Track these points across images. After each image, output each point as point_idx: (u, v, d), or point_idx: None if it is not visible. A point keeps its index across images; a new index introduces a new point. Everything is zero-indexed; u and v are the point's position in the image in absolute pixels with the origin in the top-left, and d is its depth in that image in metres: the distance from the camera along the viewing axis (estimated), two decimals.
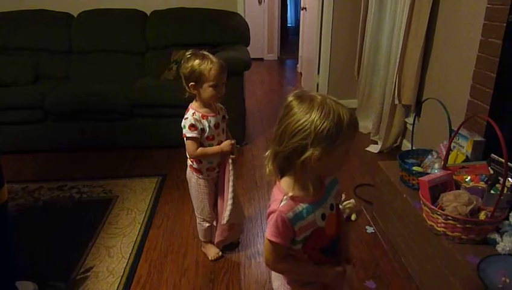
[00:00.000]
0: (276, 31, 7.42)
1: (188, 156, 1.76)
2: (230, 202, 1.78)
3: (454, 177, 1.73)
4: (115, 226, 2.22)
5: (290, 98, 0.91)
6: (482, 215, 1.49)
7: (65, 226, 2.25)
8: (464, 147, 1.93)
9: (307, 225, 0.96)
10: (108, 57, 3.61)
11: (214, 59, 1.62)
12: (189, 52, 1.65)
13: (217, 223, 1.91)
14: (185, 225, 2.24)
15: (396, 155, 2.08)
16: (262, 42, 7.33)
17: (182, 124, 1.68)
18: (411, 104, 2.93)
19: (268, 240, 0.96)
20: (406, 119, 3.08)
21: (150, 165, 3.00)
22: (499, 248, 1.43)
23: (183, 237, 2.14)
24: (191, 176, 1.82)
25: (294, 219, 0.94)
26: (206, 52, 1.65)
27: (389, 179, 2.07)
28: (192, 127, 1.65)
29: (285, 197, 0.94)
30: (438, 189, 1.63)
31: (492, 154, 1.78)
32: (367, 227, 2.21)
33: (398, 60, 2.87)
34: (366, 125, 3.64)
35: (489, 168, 1.76)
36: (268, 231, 0.96)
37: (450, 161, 1.90)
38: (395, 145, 3.19)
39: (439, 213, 1.53)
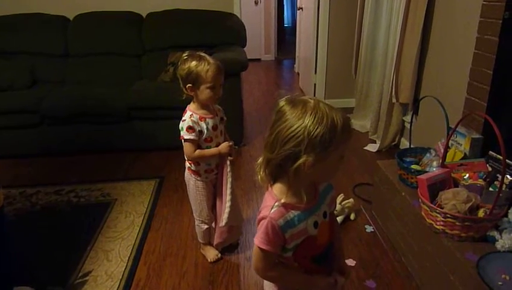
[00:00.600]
0: (273, 31, 7.42)
1: (186, 158, 1.76)
2: (228, 204, 1.77)
3: (452, 175, 1.73)
4: (113, 230, 2.21)
5: (282, 103, 0.88)
6: (480, 213, 1.49)
7: (63, 231, 2.24)
8: (461, 144, 1.93)
9: (298, 232, 0.94)
10: (105, 60, 3.60)
11: (211, 60, 1.62)
12: (186, 54, 1.64)
13: (215, 225, 1.91)
14: (183, 227, 2.23)
15: (395, 154, 2.08)
16: (259, 43, 7.33)
17: (180, 126, 1.67)
18: (409, 103, 2.93)
19: (258, 247, 0.93)
20: (403, 118, 3.08)
21: (148, 168, 2.99)
22: (498, 245, 1.43)
23: (182, 240, 2.13)
24: (189, 178, 1.82)
25: (285, 226, 0.92)
26: (203, 54, 1.64)
27: (388, 177, 2.07)
28: (190, 129, 1.65)
29: (276, 204, 0.92)
30: (436, 187, 1.63)
31: (491, 152, 1.78)
32: (366, 226, 2.20)
33: (395, 59, 2.87)
34: (364, 124, 3.64)
35: (487, 165, 1.76)
36: (258, 238, 0.93)
37: (448, 159, 1.90)
38: (393, 143, 3.19)
39: (438, 211, 1.53)
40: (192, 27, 3.61)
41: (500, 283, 1.28)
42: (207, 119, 1.69)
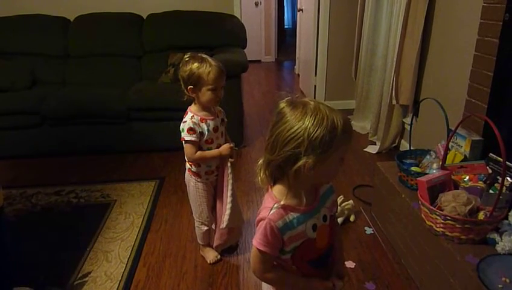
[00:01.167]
0: (273, 32, 7.43)
1: (187, 160, 1.75)
2: (229, 206, 1.77)
3: (452, 177, 1.73)
4: (113, 231, 2.21)
5: (282, 105, 0.88)
6: (481, 215, 1.49)
7: (63, 231, 2.23)
8: (462, 146, 1.93)
9: (297, 235, 0.94)
10: (105, 61, 3.60)
11: (213, 62, 1.61)
12: (188, 55, 1.64)
13: (215, 227, 1.90)
14: (183, 229, 2.23)
15: (395, 156, 2.08)
16: (259, 44, 7.34)
17: (181, 127, 1.67)
18: (409, 104, 2.93)
19: (256, 248, 0.93)
20: (403, 120, 3.08)
21: (148, 169, 2.99)
22: (499, 247, 1.43)
23: (182, 241, 2.13)
24: (190, 179, 1.81)
25: (284, 228, 0.92)
26: (204, 55, 1.64)
27: (388, 179, 2.07)
28: (190, 130, 1.64)
29: (275, 205, 0.92)
30: (436, 189, 1.63)
31: (491, 154, 1.78)
32: (366, 228, 2.20)
33: (395, 60, 2.87)
34: (364, 126, 3.64)
35: (487, 167, 1.76)
36: (256, 239, 0.93)
37: (448, 161, 1.89)
38: (393, 145, 3.19)
39: (438, 213, 1.53)
40: (192, 28, 3.61)
41: (500, 286, 1.28)
42: (208, 121, 1.69)
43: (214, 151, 1.71)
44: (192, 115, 1.67)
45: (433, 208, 1.55)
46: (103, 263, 1.95)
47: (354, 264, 1.91)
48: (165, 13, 3.70)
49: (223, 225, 1.79)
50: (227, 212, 1.77)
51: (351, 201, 2.29)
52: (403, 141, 3.16)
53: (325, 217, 1.00)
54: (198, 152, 1.68)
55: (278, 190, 0.95)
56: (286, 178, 0.91)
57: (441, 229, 1.53)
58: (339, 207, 2.21)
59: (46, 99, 3.09)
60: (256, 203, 2.48)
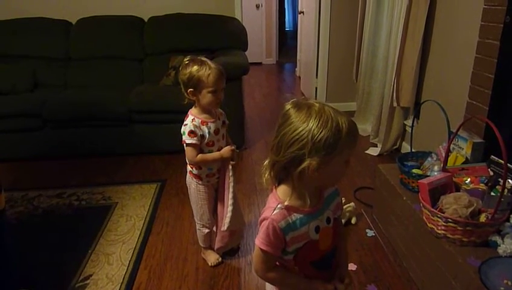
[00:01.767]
0: (274, 35, 7.44)
1: (188, 162, 1.76)
2: (230, 208, 1.77)
3: (454, 179, 1.72)
4: (114, 233, 2.21)
5: (288, 106, 0.89)
6: (482, 218, 1.49)
7: (64, 234, 2.24)
8: (463, 148, 1.93)
9: (299, 236, 0.94)
10: (107, 64, 3.61)
11: (213, 65, 1.62)
12: (188, 58, 1.65)
13: (216, 229, 1.90)
14: (184, 231, 2.23)
15: (396, 158, 2.08)
16: (260, 46, 7.35)
17: (182, 130, 1.67)
18: (410, 106, 2.93)
19: (259, 248, 0.94)
20: (405, 122, 3.08)
21: (149, 171, 2.99)
22: (500, 250, 1.43)
23: (183, 243, 2.13)
24: (191, 181, 1.81)
25: (286, 228, 0.92)
26: (204, 58, 1.65)
27: (389, 181, 2.06)
28: (191, 133, 1.65)
29: (279, 206, 0.92)
30: (437, 191, 1.63)
31: (492, 156, 1.78)
32: (367, 230, 2.20)
33: (396, 62, 2.87)
34: (365, 128, 3.64)
35: (489, 169, 1.76)
36: (259, 239, 0.94)
37: (450, 163, 1.89)
38: (394, 147, 3.19)
39: (439, 216, 1.52)
40: (193, 31, 3.62)
41: (502, 288, 1.28)
42: (209, 124, 1.69)
43: (215, 154, 1.71)
44: (193, 117, 1.68)
45: (435, 211, 1.55)
46: (104, 265, 1.95)
47: (356, 266, 1.91)
48: (166, 16, 3.72)
49: (224, 227, 1.79)
50: (229, 214, 1.77)
51: (352, 203, 2.29)
52: (404, 143, 3.16)
53: (328, 220, 1.00)
54: (200, 155, 1.68)
55: (282, 190, 0.95)
56: (291, 179, 0.92)
57: (443, 232, 1.53)
58: None
59: (47, 102, 3.10)
60: (258, 206, 2.48)
